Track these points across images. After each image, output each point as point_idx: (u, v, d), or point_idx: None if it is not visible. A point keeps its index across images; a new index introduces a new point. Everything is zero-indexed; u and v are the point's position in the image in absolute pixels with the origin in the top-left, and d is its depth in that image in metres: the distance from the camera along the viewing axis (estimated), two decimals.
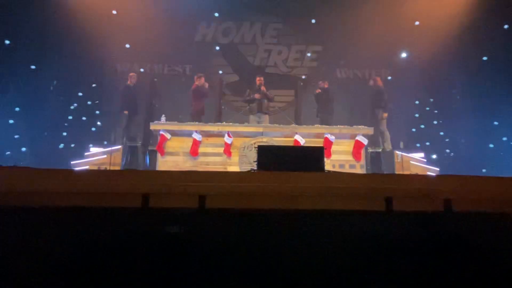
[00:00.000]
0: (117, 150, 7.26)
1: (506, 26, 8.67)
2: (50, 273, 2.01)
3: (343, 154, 7.08)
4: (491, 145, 8.50)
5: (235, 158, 6.91)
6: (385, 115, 7.96)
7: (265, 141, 6.92)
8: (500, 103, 8.31)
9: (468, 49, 8.65)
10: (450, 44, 8.62)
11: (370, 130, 7.18)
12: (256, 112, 7.75)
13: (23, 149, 8.02)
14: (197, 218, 2.16)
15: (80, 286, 2.02)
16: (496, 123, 8.54)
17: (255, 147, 6.39)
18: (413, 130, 9.20)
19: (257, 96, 7.78)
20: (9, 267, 1.99)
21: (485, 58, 8.82)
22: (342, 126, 7.27)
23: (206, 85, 8.10)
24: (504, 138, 8.40)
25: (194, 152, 6.86)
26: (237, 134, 6.98)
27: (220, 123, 7.35)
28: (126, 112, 7.85)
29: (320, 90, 8.31)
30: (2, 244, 2.03)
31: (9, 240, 2.04)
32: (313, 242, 2.11)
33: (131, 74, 8.33)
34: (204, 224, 2.16)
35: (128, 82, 8.14)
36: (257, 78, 8.06)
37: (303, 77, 10.17)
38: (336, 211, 2.18)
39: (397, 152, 7.41)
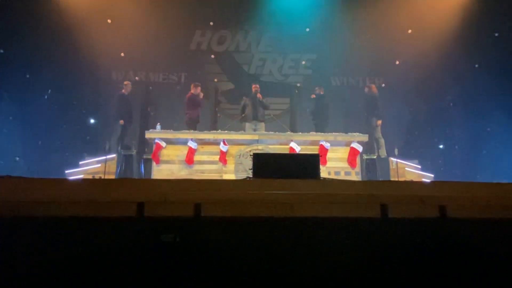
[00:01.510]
0: (112, 158, 7.23)
1: (496, 34, 8.82)
2: (44, 283, 1.98)
3: (339, 161, 7.11)
4: (484, 151, 8.57)
5: (230, 166, 6.91)
6: (379, 122, 8.03)
7: (261, 148, 6.93)
8: (492, 110, 8.42)
9: (460, 56, 8.78)
10: (443, 51, 8.75)
11: (365, 137, 7.22)
12: (251, 120, 7.77)
13: (17, 158, 7.96)
14: (193, 227, 2.15)
15: None
16: (489, 129, 8.62)
17: (250, 155, 6.41)
18: (408, 137, 9.27)
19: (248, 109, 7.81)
20: (3, 278, 1.97)
21: (477, 66, 8.95)
22: (337, 134, 7.31)
23: (201, 95, 8.10)
24: (497, 144, 8.47)
25: (189, 160, 6.85)
26: (232, 142, 6.99)
27: (215, 131, 7.36)
28: (121, 122, 7.84)
29: (314, 96, 8.40)
30: None
31: (2, 251, 2.02)
32: (308, 249, 2.11)
33: (125, 82, 8.33)
34: (199, 232, 2.15)
35: (123, 91, 8.13)
36: (253, 86, 8.10)
37: (298, 85, 10.24)
38: (331, 218, 2.19)
39: (392, 159, 7.46)
